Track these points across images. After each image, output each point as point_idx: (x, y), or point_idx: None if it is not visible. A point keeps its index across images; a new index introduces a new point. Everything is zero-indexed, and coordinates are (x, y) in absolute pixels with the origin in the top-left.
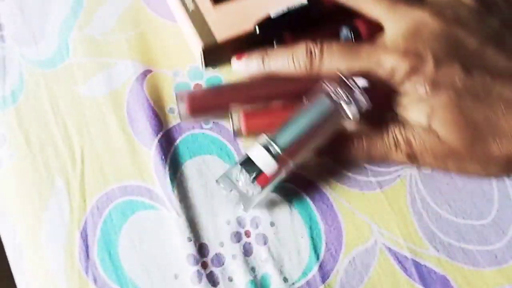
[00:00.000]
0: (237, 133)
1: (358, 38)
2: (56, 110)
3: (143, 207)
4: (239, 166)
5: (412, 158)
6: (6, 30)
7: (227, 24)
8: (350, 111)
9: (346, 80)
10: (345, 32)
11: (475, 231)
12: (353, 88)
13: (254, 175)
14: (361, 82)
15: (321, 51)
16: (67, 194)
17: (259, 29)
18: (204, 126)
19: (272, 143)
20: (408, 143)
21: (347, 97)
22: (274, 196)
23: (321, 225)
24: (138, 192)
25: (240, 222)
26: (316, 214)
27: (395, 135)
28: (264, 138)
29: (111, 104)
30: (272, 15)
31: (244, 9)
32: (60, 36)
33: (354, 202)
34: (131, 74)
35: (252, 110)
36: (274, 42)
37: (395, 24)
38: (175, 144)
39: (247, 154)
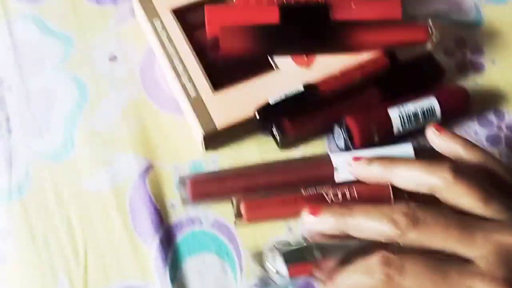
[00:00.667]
0: (238, 222)
1: (351, 138)
2: (60, 205)
3: None
4: (278, 253)
5: None
6: (12, 122)
7: (227, 111)
8: None
9: None
10: (337, 132)
11: None
12: None
13: (288, 262)
14: None
15: (402, 270)
16: None
17: (258, 115)
18: (204, 222)
19: (315, 248)
20: None
21: None
22: None
23: None
24: None
25: None
26: None
27: None
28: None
29: (114, 200)
30: (271, 101)
31: (244, 95)
32: (66, 129)
33: None
34: (134, 170)
35: (253, 199)
36: (273, 127)
37: (482, 250)
38: (176, 241)
39: (288, 244)
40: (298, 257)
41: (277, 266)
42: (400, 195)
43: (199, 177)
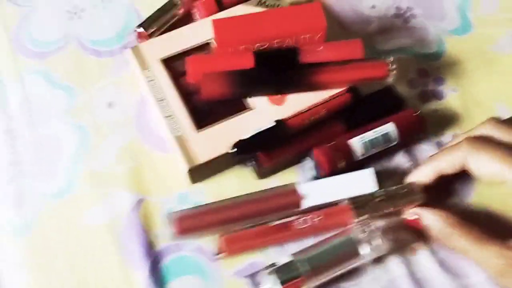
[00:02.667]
0: (218, 256)
1: (319, 167)
2: (62, 238)
3: None
4: (270, 270)
5: None
6: (23, 166)
7: (209, 147)
8: (370, 253)
9: (372, 228)
10: (307, 163)
11: None
12: (376, 237)
13: (282, 280)
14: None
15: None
16: None
17: (235, 149)
18: (187, 248)
19: (304, 261)
20: None
21: (371, 242)
22: None
23: None
24: None
25: None
26: None
27: None
28: (298, 254)
29: (108, 233)
30: (246, 137)
31: (224, 133)
32: (68, 171)
33: None
34: (127, 204)
35: (233, 234)
36: (250, 160)
37: None
38: (162, 266)
39: (274, 264)
40: (290, 275)
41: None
42: (360, 213)
43: (184, 214)
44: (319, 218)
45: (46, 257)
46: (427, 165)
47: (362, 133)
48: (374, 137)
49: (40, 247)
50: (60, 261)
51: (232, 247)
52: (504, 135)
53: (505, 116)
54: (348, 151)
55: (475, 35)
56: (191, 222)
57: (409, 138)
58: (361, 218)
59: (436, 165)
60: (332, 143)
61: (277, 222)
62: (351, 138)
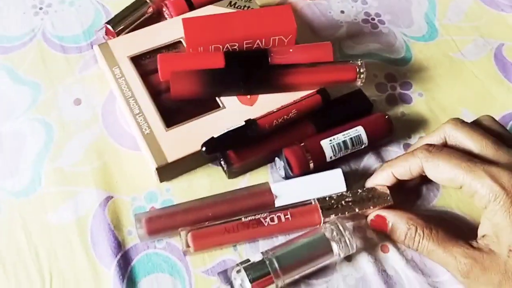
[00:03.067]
0: (186, 251)
1: (290, 167)
2: (28, 237)
3: None
4: (240, 267)
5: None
6: None
7: (178, 145)
8: (339, 252)
9: (341, 227)
10: (278, 163)
11: None
12: (345, 236)
13: (251, 278)
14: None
15: (440, 149)
16: None
17: (204, 148)
18: (157, 246)
19: (273, 258)
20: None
21: (340, 241)
22: None
23: None
24: None
25: None
26: None
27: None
28: (268, 252)
29: (77, 231)
30: (215, 135)
31: (193, 131)
32: (34, 168)
33: None
34: (95, 201)
35: (198, 230)
36: (220, 159)
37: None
38: (132, 264)
39: (248, 260)
40: (260, 272)
41: (244, 284)
42: (328, 213)
43: (154, 214)
44: (287, 216)
45: (10, 256)
46: (384, 170)
47: (332, 135)
48: (344, 140)
49: (3, 247)
50: (26, 259)
51: (199, 243)
52: (463, 136)
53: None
54: (318, 153)
55: (441, 42)
56: (161, 223)
57: (378, 141)
58: (329, 218)
59: (393, 171)
60: (302, 144)
61: (246, 219)
62: (322, 140)
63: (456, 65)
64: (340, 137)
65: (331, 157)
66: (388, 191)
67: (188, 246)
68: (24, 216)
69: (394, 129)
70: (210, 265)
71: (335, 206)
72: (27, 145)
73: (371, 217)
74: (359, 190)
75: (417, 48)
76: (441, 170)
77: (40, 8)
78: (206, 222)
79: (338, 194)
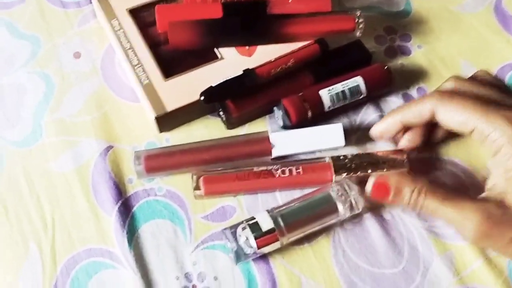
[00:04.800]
0: (196, 195)
1: (288, 117)
2: (30, 184)
3: (104, 267)
4: (245, 225)
5: None
6: None
7: (177, 96)
8: (345, 211)
9: (347, 187)
10: (277, 113)
11: (387, 278)
12: (351, 196)
13: (256, 235)
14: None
15: (452, 95)
16: (40, 257)
17: (203, 97)
18: (157, 193)
19: (278, 216)
20: None
21: (346, 200)
22: (219, 253)
23: (258, 279)
24: (100, 254)
25: (187, 277)
26: (254, 269)
27: None
28: (273, 210)
29: (78, 178)
30: (214, 84)
31: (192, 82)
32: (34, 119)
33: (286, 256)
34: (95, 151)
35: (211, 175)
36: (219, 109)
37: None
38: (133, 210)
39: (254, 217)
40: (264, 229)
41: (249, 240)
42: (340, 172)
43: (153, 152)
44: (299, 171)
45: (13, 203)
46: (394, 115)
47: (331, 85)
48: (342, 89)
49: (6, 195)
50: (28, 205)
51: (210, 188)
52: (471, 86)
53: (469, 73)
54: (316, 102)
55: None
56: (160, 161)
57: (376, 92)
58: (340, 177)
59: (403, 115)
60: (301, 94)
61: (258, 169)
62: (320, 89)
63: (455, 18)
64: (338, 87)
65: (329, 107)
66: (405, 156)
67: (199, 188)
68: (26, 165)
69: (394, 80)
70: (210, 211)
71: (348, 166)
72: (28, 97)
73: (369, 187)
74: (377, 152)
75: (417, 1)
76: (454, 113)
77: None
78: (218, 167)
79: (354, 154)
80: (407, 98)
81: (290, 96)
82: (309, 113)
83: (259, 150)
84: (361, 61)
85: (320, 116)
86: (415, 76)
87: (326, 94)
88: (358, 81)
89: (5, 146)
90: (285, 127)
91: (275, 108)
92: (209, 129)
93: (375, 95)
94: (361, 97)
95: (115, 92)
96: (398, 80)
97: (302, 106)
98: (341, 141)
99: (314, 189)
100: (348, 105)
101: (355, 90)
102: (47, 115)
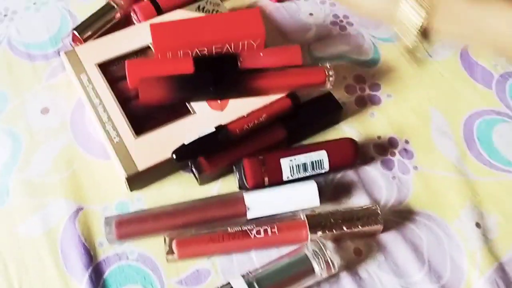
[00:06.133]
0: (169, 259)
1: (245, 180)
2: None
3: None
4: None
5: None
6: None
7: (148, 153)
8: (321, 273)
9: (323, 247)
10: (236, 172)
11: None
12: (327, 255)
13: None
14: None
15: None
16: None
17: (175, 155)
18: (129, 257)
19: (254, 281)
20: None
21: (321, 260)
22: None
23: None
24: None
25: None
26: None
27: None
28: (249, 274)
29: (47, 244)
30: (186, 142)
31: (163, 138)
32: (1, 180)
33: None
34: (65, 214)
35: (184, 238)
36: (192, 166)
37: None
38: (104, 277)
39: (229, 283)
40: None
41: None
42: (315, 230)
43: (124, 218)
44: (274, 230)
45: None
46: None
47: (294, 155)
48: (304, 162)
49: None
50: None
51: (183, 251)
52: None
53: (439, 120)
54: (276, 170)
55: None
56: (131, 227)
57: (339, 169)
58: (315, 235)
59: None
60: (261, 157)
61: (232, 230)
62: (282, 157)
63: (423, 65)
64: (301, 159)
65: (288, 177)
66: (379, 210)
67: (172, 252)
68: None
69: (358, 157)
70: (184, 275)
71: (323, 223)
72: None
73: None
74: (352, 208)
75: (385, 49)
76: None
77: (5, 15)
78: (191, 229)
79: (328, 211)
80: (379, 149)
81: (251, 158)
82: (266, 180)
83: (233, 212)
84: (332, 113)
85: (277, 184)
86: (385, 125)
87: (286, 164)
88: (322, 155)
89: None
90: (241, 187)
91: (234, 166)
92: (182, 185)
93: (337, 171)
94: (322, 171)
95: (85, 149)
96: (369, 130)
97: (261, 172)
98: (316, 201)
99: (290, 247)
100: (308, 177)
101: (317, 165)
102: (14, 175)
